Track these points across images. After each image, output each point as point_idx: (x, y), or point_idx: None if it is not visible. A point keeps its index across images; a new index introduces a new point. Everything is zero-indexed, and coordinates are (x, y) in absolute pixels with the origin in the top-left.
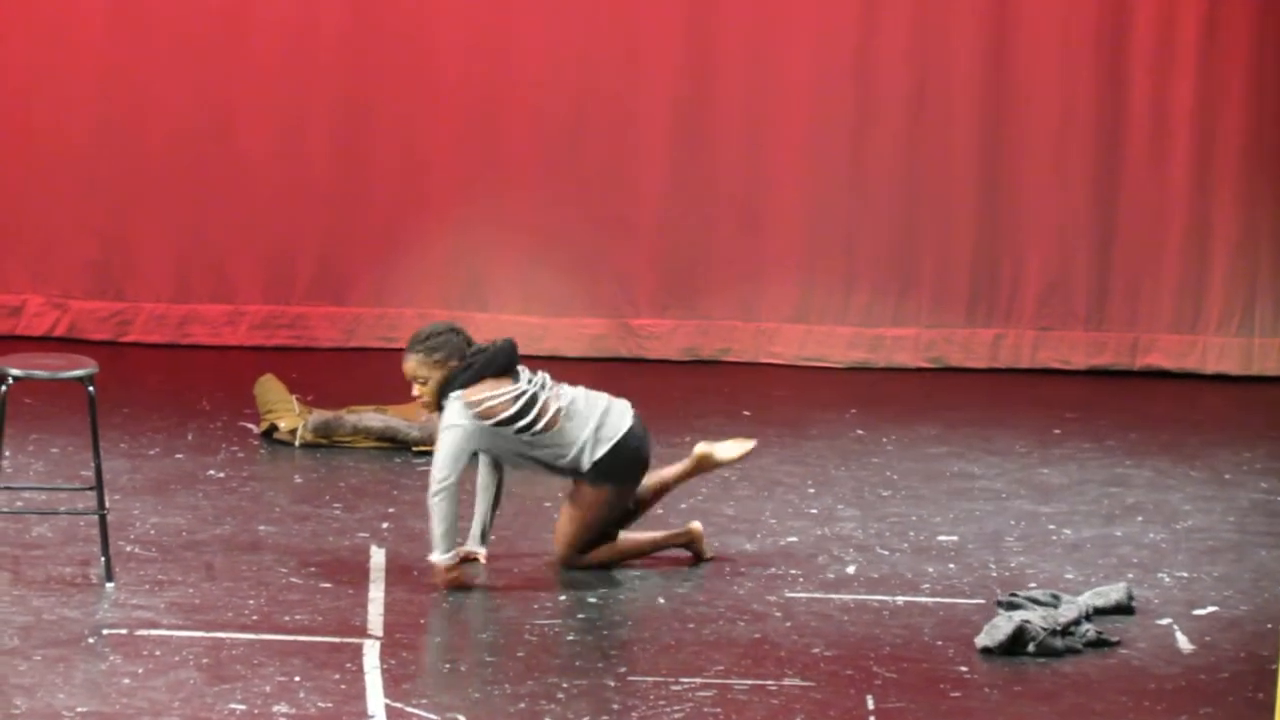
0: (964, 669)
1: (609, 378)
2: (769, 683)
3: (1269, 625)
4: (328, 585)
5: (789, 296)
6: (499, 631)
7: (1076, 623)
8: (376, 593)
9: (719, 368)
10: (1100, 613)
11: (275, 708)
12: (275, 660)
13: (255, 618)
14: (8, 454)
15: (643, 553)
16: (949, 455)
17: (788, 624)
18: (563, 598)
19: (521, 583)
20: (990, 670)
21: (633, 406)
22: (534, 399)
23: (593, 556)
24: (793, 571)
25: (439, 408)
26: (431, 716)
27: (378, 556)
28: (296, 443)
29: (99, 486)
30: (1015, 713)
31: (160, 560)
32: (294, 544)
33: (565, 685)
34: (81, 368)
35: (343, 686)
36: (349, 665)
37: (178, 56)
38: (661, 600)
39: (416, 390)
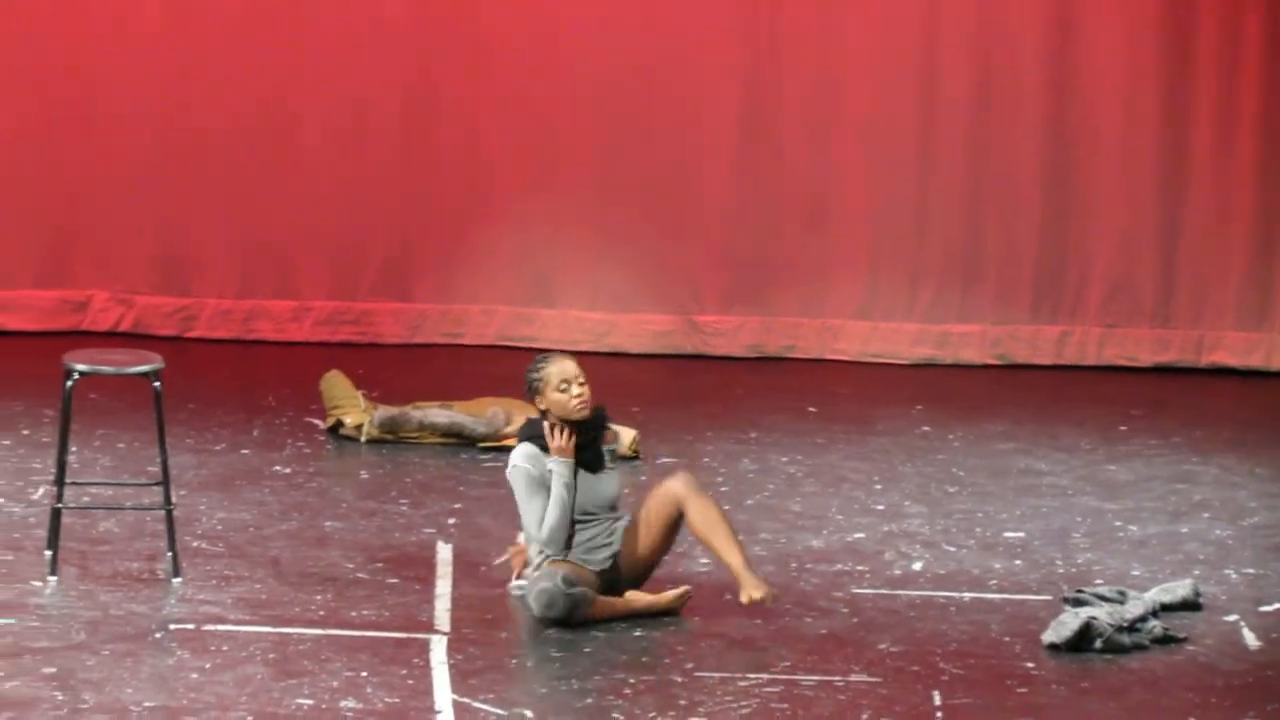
0: (1030, 665)
1: (674, 374)
2: (836, 679)
3: None
4: (394, 581)
5: (854, 293)
6: (566, 627)
7: (1143, 619)
8: (443, 588)
9: (784, 364)
10: (1167, 609)
11: (342, 703)
12: (342, 655)
13: (322, 613)
14: (74, 449)
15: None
16: (1015, 451)
17: (854, 620)
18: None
19: None
20: (1057, 667)
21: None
22: None
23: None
24: (859, 568)
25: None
26: (498, 711)
27: (444, 552)
28: (362, 438)
29: (165, 482)
30: (1082, 709)
31: (227, 555)
32: (360, 539)
33: (632, 681)
34: (147, 363)
35: (410, 682)
36: (416, 660)
37: (242, 52)
38: (728, 596)
39: (577, 390)
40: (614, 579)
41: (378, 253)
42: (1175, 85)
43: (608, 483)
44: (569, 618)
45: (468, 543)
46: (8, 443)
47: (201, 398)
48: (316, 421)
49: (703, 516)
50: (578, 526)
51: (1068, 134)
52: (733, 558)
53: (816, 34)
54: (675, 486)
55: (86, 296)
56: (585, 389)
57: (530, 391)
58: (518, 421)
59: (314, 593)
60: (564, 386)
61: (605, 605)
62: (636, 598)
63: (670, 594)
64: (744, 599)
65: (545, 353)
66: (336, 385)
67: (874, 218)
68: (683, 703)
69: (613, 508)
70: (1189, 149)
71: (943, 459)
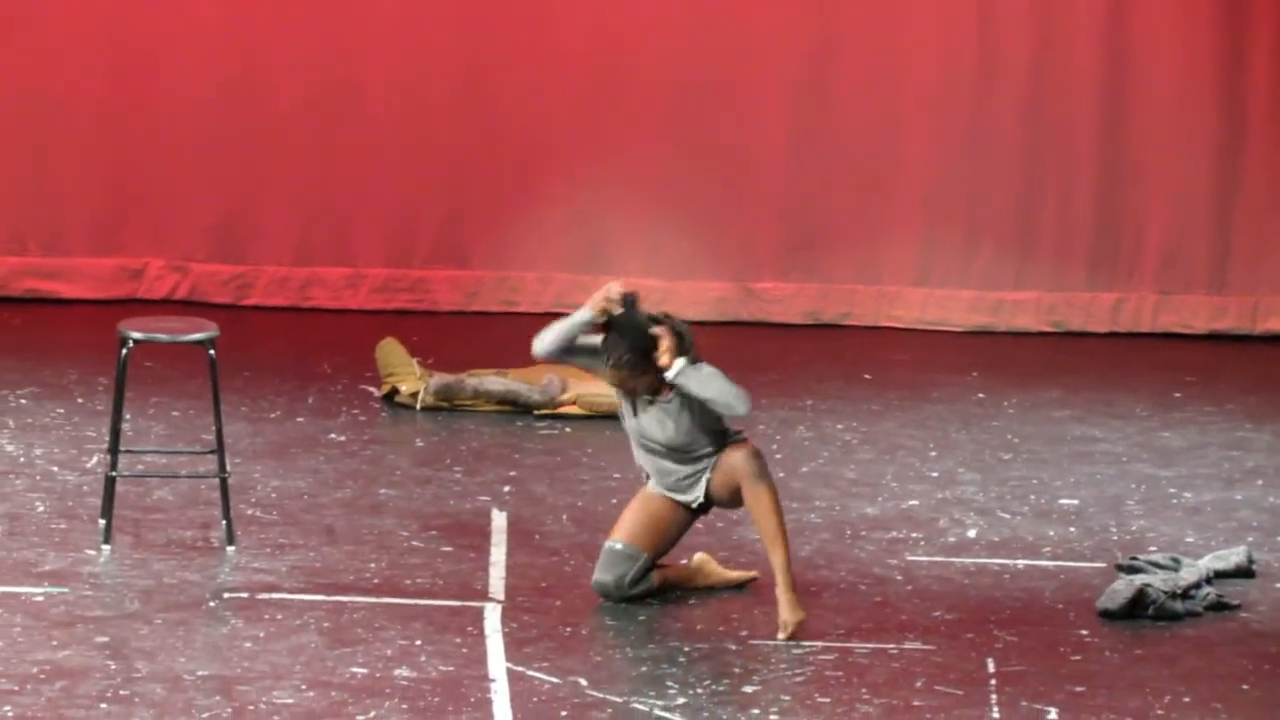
0: (1084, 633)
1: (730, 341)
2: (890, 646)
3: None
4: (449, 549)
5: (910, 260)
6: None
7: (1197, 586)
8: (498, 556)
9: (840, 331)
10: (1220, 576)
11: (396, 671)
12: (396, 624)
13: (376, 581)
14: (129, 417)
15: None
16: (1070, 419)
17: (909, 587)
18: (683, 561)
19: None
20: (1110, 634)
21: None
22: None
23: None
24: (914, 535)
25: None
26: (553, 680)
27: (499, 520)
28: (418, 406)
29: (220, 450)
30: (1135, 676)
31: (281, 524)
32: (415, 507)
33: (686, 649)
34: (203, 331)
35: (464, 650)
36: (470, 629)
37: (300, 19)
38: None
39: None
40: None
41: (434, 220)
42: (1230, 50)
43: (652, 424)
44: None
45: (522, 510)
46: (62, 411)
47: (257, 365)
48: (371, 389)
49: (753, 504)
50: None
51: (1123, 100)
52: (776, 563)
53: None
54: (737, 461)
55: (142, 264)
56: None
57: None
58: (573, 389)
59: (368, 561)
60: None
61: (677, 574)
62: (708, 571)
63: (739, 574)
64: (780, 629)
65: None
66: (392, 353)
67: (930, 185)
68: (737, 671)
69: (679, 449)
70: (1245, 115)
71: (997, 426)
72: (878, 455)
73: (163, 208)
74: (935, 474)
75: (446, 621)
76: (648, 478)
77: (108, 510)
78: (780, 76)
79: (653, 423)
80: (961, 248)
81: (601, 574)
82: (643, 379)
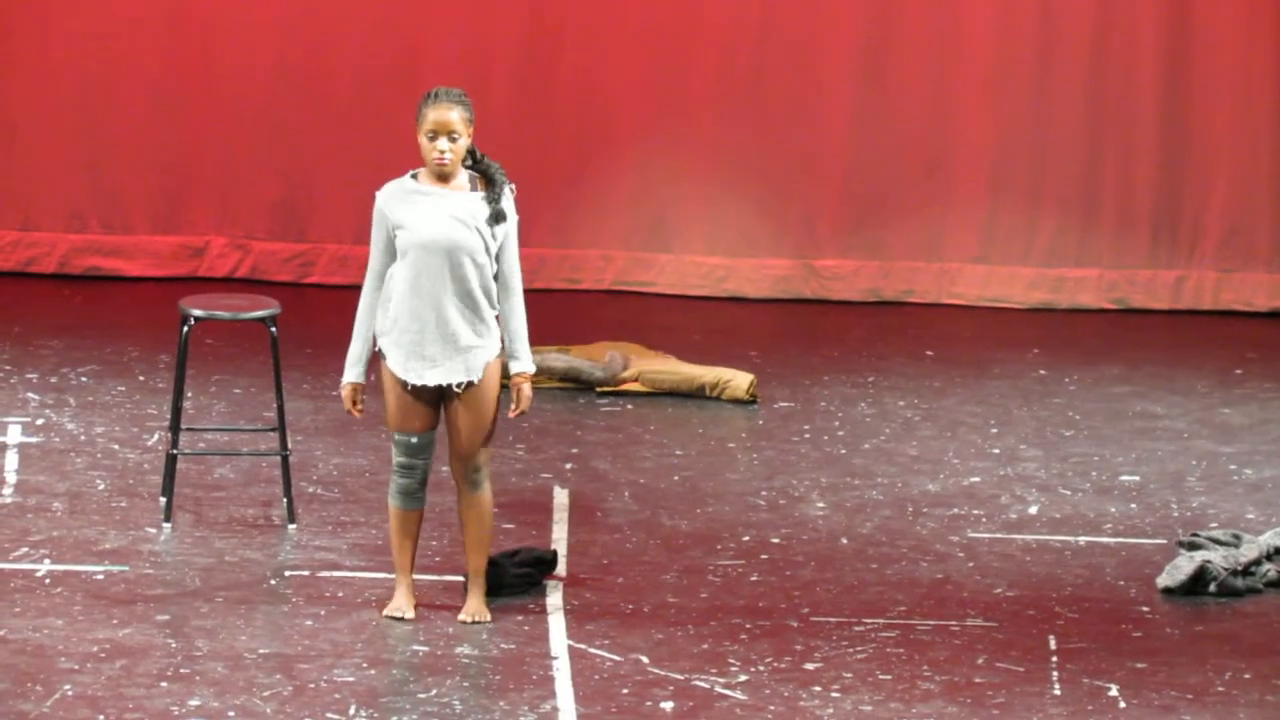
0: (1145, 609)
1: (792, 318)
2: (951, 623)
3: None
4: (511, 526)
5: (972, 237)
6: (682, 572)
7: (1258, 562)
8: (560, 533)
9: (901, 309)
10: None
11: (458, 649)
12: (458, 601)
13: (438, 559)
14: (190, 395)
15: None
16: (1131, 395)
17: (970, 564)
18: (745, 538)
19: (704, 524)
20: (1171, 610)
21: (814, 348)
22: None
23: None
24: (975, 511)
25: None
26: (614, 657)
27: (561, 497)
28: None
29: (281, 427)
30: (1197, 653)
31: (342, 501)
32: None
33: (748, 626)
34: (264, 308)
35: (525, 628)
36: (532, 606)
37: None
38: (844, 540)
39: (445, 146)
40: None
41: None
42: None
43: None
44: None
45: (584, 487)
46: (123, 388)
47: (318, 343)
48: None
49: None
50: None
51: (1184, 78)
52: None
53: None
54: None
55: (204, 242)
56: (453, 146)
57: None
58: (635, 366)
59: (429, 538)
60: (431, 135)
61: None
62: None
63: None
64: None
65: (441, 92)
66: None
67: (991, 162)
68: (799, 648)
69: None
70: None
71: (1059, 403)
72: (939, 432)
73: (224, 186)
74: (997, 450)
75: (508, 598)
76: None
77: (168, 488)
78: (842, 53)
79: None
80: (1023, 225)
81: (410, 458)
82: None
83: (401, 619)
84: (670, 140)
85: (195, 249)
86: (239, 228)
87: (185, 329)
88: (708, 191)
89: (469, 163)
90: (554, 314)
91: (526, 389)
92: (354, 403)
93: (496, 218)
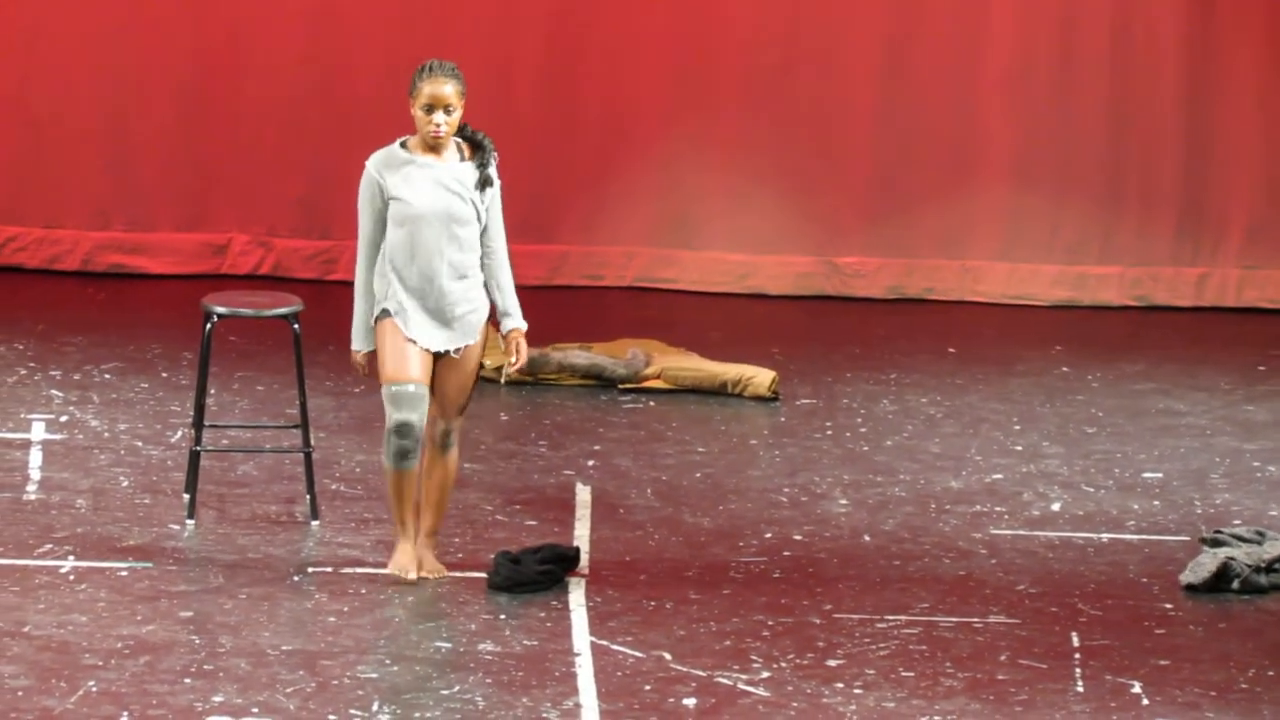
0: (1168, 606)
1: (814, 315)
2: (974, 620)
3: None
4: (533, 523)
5: (994, 235)
6: (704, 569)
7: None
8: (582, 530)
9: (924, 306)
10: None
11: (481, 646)
12: (480, 598)
13: (460, 555)
14: (213, 392)
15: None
16: (1154, 392)
17: (993, 561)
18: (768, 535)
19: (726, 521)
20: (1195, 607)
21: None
22: None
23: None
24: (998, 508)
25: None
26: (637, 654)
27: (583, 494)
28: (502, 380)
29: (304, 424)
30: (1219, 650)
31: (365, 498)
32: (499, 481)
33: (770, 623)
34: (287, 305)
35: (548, 624)
36: (554, 603)
37: None
38: (867, 538)
39: (441, 119)
40: None
41: (519, 194)
42: None
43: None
44: None
45: (607, 485)
46: (146, 385)
47: (341, 340)
48: None
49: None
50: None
51: (1207, 75)
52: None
53: None
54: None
55: (226, 239)
56: (448, 120)
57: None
58: (657, 363)
59: (452, 535)
60: (428, 108)
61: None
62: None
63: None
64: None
65: (436, 65)
66: None
67: (1014, 159)
68: (821, 644)
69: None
70: None
71: (1081, 400)
72: (962, 429)
73: (247, 183)
74: (1019, 447)
75: (530, 596)
76: None
77: (192, 485)
78: (866, 50)
79: None
80: (1046, 222)
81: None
82: None
83: (403, 579)
84: (693, 137)
85: (218, 246)
86: (262, 225)
87: (208, 326)
88: (731, 188)
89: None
90: (576, 311)
91: (523, 343)
92: (366, 370)
93: (484, 183)
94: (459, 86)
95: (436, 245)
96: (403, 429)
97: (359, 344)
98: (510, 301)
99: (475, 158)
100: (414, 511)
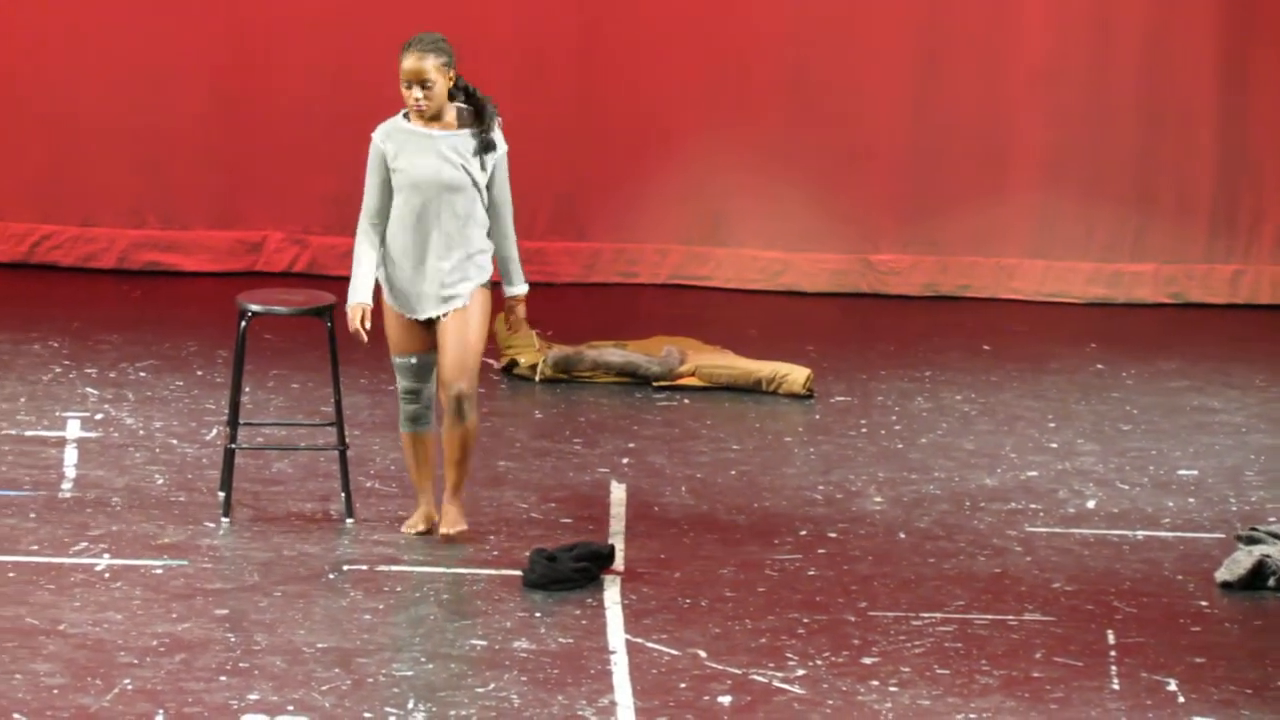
0: (1204, 604)
1: (849, 313)
2: (1009, 618)
3: None
4: (568, 521)
5: (1029, 232)
6: (739, 567)
7: None
8: (617, 528)
9: (959, 303)
10: None
11: (516, 643)
12: (515, 596)
13: (496, 553)
14: (248, 390)
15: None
16: (1189, 389)
17: (1028, 559)
18: (803, 533)
19: (761, 518)
20: (1230, 605)
21: (871, 343)
22: None
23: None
24: (1033, 506)
25: (478, 122)
26: (672, 651)
27: (618, 492)
28: (536, 378)
29: (339, 422)
30: (1255, 648)
31: (400, 496)
32: (534, 480)
33: (806, 620)
34: (321, 303)
35: (583, 622)
36: (589, 600)
37: None
38: (902, 535)
39: (419, 94)
40: None
41: (552, 192)
42: None
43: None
44: None
45: (641, 482)
46: (181, 383)
47: (376, 337)
48: (490, 361)
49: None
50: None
51: (1241, 70)
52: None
53: None
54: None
55: (261, 237)
56: (427, 93)
57: None
58: (692, 361)
59: (487, 533)
60: (407, 84)
61: None
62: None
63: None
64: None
65: (415, 40)
66: None
67: (1048, 157)
68: (856, 642)
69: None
70: None
71: (1116, 397)
72: (996, 426)
73: (281, 180)
74: (1054, 445)
75: (566, 593)
76: None
77: (227, 483)
78: (899, 48)
79: None
80: (1080, 219)
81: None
82: None
83: (409, 534)
84: (727, 134)
85: (253, 244)
86: (296, 222)
87: (243, 324)
88: (764, 186)
89: (461, 98)
90: (610, 308)
91: (520, 310)
92: (361, 321)
93: (486, 147)
94: (438, 60)
95: (430, 214)
96: (409, 395)
97: (356, 297)
98: (512, 269)
99: (477, 124)
100: (430, 476)
